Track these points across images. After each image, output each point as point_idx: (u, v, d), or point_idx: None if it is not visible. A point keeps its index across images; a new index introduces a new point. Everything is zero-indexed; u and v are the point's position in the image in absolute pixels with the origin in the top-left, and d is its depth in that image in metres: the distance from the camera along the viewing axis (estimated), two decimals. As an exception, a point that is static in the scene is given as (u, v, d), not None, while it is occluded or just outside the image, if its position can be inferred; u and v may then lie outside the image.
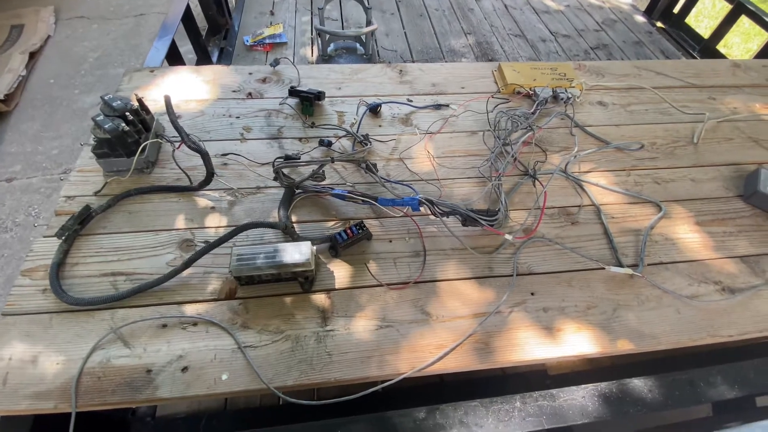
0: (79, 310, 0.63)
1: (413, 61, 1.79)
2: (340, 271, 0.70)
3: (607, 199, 0.85)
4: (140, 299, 0.65)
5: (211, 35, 1.69)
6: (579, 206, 0.83)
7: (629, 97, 1.08)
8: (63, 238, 0.69)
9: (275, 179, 0.76)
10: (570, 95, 1.03)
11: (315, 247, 0.67)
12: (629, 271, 0.72)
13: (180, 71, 1.04)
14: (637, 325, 0.68)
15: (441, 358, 0.62)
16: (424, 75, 1.09)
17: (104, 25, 2.66)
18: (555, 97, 1.02)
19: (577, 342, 0.65)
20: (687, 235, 0.81)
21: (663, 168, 0.92)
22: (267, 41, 1.77)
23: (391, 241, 0.75)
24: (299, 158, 0.79)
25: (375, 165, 0.80)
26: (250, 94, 1.00)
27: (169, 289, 0.66)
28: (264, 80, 1.04)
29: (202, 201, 0.78)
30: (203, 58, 1.56)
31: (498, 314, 0.67)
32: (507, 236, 0.73)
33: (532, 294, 0.70)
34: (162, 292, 0.66)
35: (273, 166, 0.76)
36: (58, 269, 0.67)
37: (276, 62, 1.06)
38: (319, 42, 1.66)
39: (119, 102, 0.78)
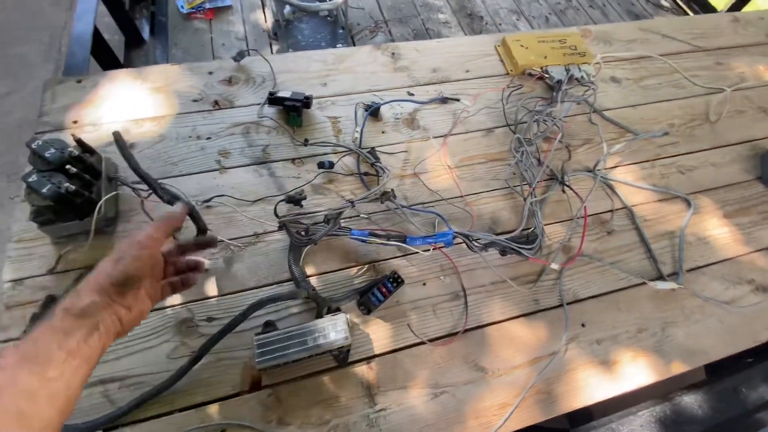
0: (70, 439, 0.51)
1: (385, 21, 1.56)
2: (377, 332, 0.62)
3: (636, 199, 0.80)
4: (148, 410, 0.53)
5: (134, 3, 1.36)
6: (612, 211, 0.78)
7: (640, 70, 0.99)
8: (23, 347, 0.54)
9: (280, 229, 0.63)
10: (584, 74, 0.92)
11: (348, 316, 0.57)
12: (673, 285, 0.69)
13: (118, 78, 0.81)
14: (686, 342, 0.66)
15: (507, 419, 0.57)
16: (421, 58, 0.93)
17: (-17, -16, 2.10)
18: (569, 78, 0.92)
19: (634, 373, 0.63)
20: (716, 230, 0.78)
21: (684, 154, 0.88)
22: (207, 6, 1.46)
23: (425, 284, 0.66)
24: (304, 197, 0.65)
25: (393, 191, 0.68)
26: (216, 102, 0.81)
27: (180, 390, 0.55)
28: (230, 81, 0.84)
29: (192, 262, 0.64)
30: (134, 38, 1.26)
31: (554, 356, 0.62)
32: (553, 265, 0.67)
33: (583, 325, 0.66)
34: (172, 395, 0.54)
35: (276, 216, 0.62)
36: (27, 390, 0.52)
37: (240, 56, 0.85)
38: (273, 5, 1.39)
39: (53, 150, 0.58)
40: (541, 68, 0.92)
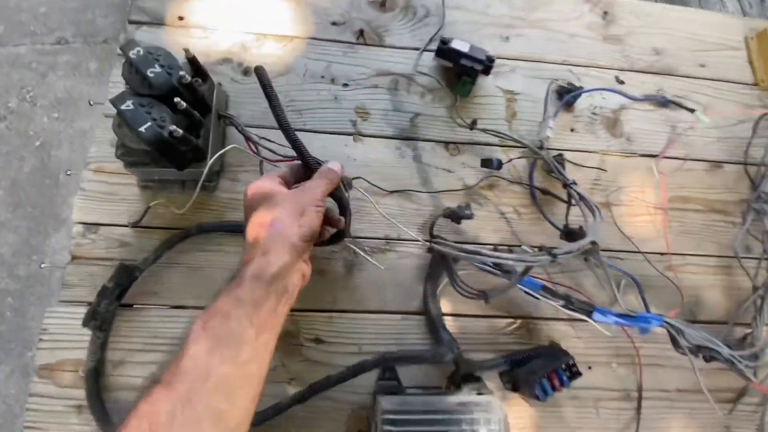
0: (139, 454, 0.42)
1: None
2: (519, 418, 0.47)
3: None
4: (228, 438, 0.43)
5: None
6: None
7: None
8: (97, 327, 0.42)
9: (429, 251, 0.46)
10: None
11: (503, 410, 0.42)
12: None
13: (242, -34, 0.60)
14: None
15: None
16: (642, 27, 0.65)
17: None
18: None
19: None
20: None
21: None
22: None
23: (590, 368, 0.50)
24: (471, 216, 0.47)
25: (597, 245, 0.47)
26: (361, 33, 0.59)
27: (273, 425, 0.43)
28: (383, 4, 0.61)
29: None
30: None
31: None
32: (780, 401, 0.48)
33: (783, 480, 0.49)
34: (265, 428, 0.43)
35: (431, 237, 0.45)
36: (98, 378, 0.42)
37: (405, -30, 0.61)
38: None
39: (159, 70, 0.41)
40: (814, 88, 0.63)
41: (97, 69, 1.47)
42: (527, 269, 0.41)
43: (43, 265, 1.29)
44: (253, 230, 0.33)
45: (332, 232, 0.42)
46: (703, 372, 0.50)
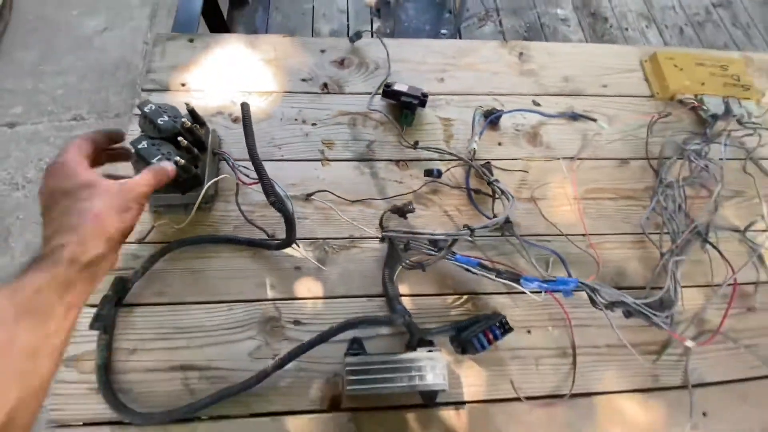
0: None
1: (497, 9, 1.42)
2: (469, 376, 0.55)
3: (792, 274, 0.66)
4: (223, 407, 0.51)
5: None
6: (756, 284, 0.65)
7: (817, 113, 0.82)
8: (101, 329, 0.52)
9: (381, 240, 0.57)
10: (745, 111, 0.77)
11: (445, 358, 0.51)
12: (830, 391, 0.57)
13: (229, 43, 0.77)
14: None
15: None
16: (552, 62, 0.82)
17: None
18: (726, 113, 0.77)
19: (765, 490, 0.53)
20: None
21: None
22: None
23: (529, 332, 0.58)
24: (412, 210, 0.58)
25: (510, 222, 0.60)
26: (325, 86, 0.75)
27: (257, 393, 0.52)
28: (342, 63, 0.78)
29: (284, 258, 0.60)
30: (238, -4, 1.22)
31: (670, 449, 0.53)
32: (688, 343, 0.56)
33: (704, 414, 0.56)
34: (248, 397, 0.51)
35: (381, 227, 0.56)
36: (107, 372, 0.51)
37: (357, 36, 0.78)
38: (381, -23, 1.30)
39: (167, 118, 0.55)
40: (695, 96, 0.78)
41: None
42: (453, 242, 0.52)
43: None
44: (73, 218, 0.34)
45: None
46: (628, 329, 0.60)
